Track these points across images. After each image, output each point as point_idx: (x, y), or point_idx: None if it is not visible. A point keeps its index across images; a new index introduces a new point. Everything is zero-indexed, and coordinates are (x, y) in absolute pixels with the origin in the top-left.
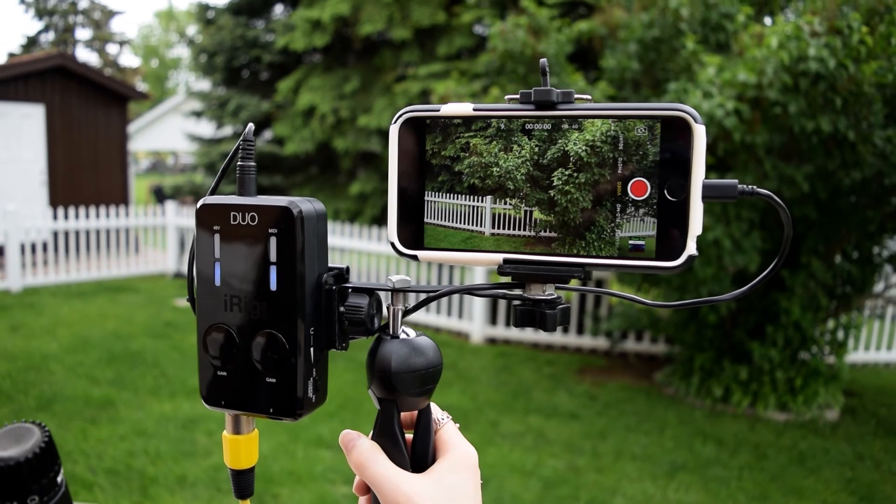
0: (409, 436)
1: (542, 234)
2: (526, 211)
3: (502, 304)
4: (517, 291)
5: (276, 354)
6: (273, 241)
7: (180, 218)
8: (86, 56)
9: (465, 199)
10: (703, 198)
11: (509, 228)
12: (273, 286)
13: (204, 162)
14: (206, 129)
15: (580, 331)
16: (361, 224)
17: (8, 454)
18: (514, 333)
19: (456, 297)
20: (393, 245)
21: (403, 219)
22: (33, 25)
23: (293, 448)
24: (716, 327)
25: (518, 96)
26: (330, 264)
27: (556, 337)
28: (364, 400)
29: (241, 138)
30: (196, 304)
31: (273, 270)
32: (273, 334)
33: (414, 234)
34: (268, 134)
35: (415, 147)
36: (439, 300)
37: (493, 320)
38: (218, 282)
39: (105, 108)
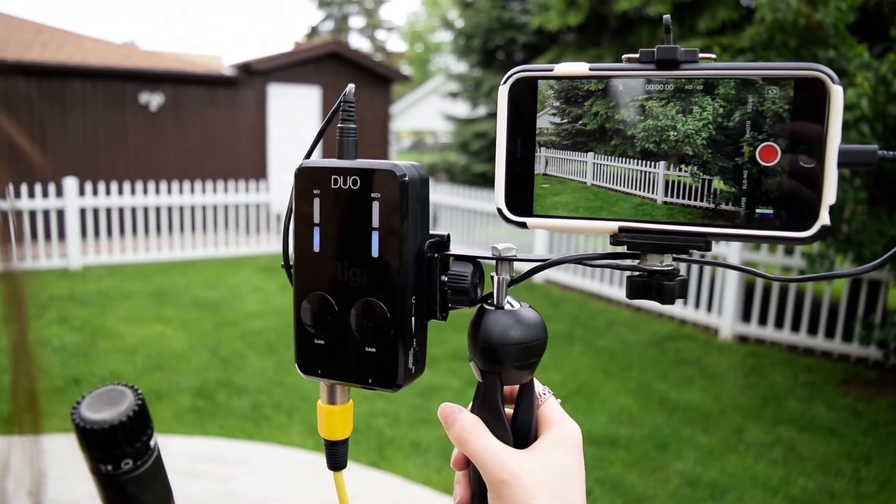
0: (508, 410)
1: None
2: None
3: (757, 298)
4: (631, 262)
5: (376, 323)
6: (376, 205)
7: (434, 194)
8: (358, 42)
9: (635, 164)
10: (839, 164)
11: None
12: (375, 252)
13: (458, 141)
14: (462, 109)
15: (847, 337)
16: None
17: (101, 417)
18: (770, 333)
19: (706, 287)
20: (500, 211)
21: (513, 185)
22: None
23: None
24: None
25: (638, 55)
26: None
27: (818, 341)
28: (599, 387)
29: (340, 99)
30: (294, 271)
31: (375, 236)
32: (374, 302)
33: (523, 200)
34: None
35: (529, 109)
36: (692, 288)
37: (745, 316)
38: (317, 247)
39: (371, 90)
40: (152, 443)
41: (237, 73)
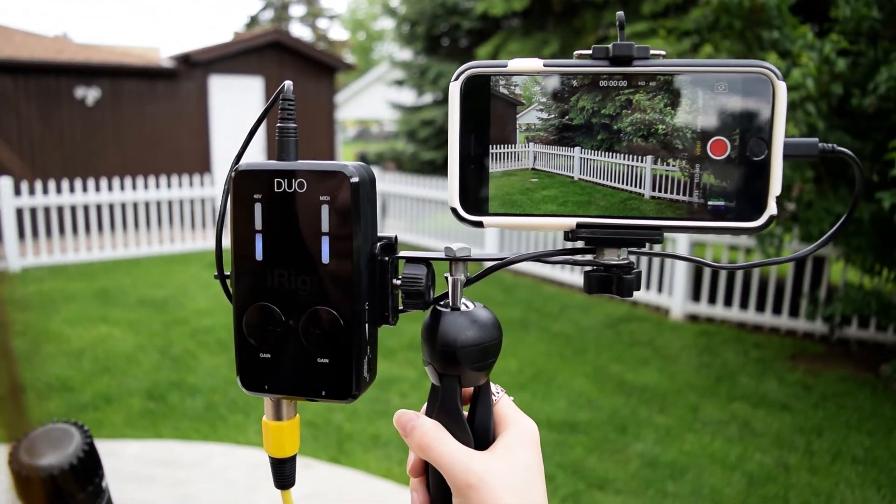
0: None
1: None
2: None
3: (706, 279)
4: (588, 257)
5: (329, 333)
6: (325, 208)
7: (382, 184)
8: (299, 31)
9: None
10: (784, 156)
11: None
12: (325, 258)
13: (405, 129)
14: (408, 97)
15: (794, 313)
16: None
17: (48, 462)
18: (719, 311)
19: (655, 268)
20: (454, 211)
21: (466, 184)
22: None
23: None
24: None
25: (591, 52)
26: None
27: (766, 318)
28: (556, 372)
29: (276, 96)
30: (233, 281)
31: (325, 241)
32: (325, 310)
33: (479, 199)
34: None
35: (481, 106)
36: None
37: (695, 296)
38: (260, 255)
39: (316, 80)
40: (104, 484)
41: (177, 64)
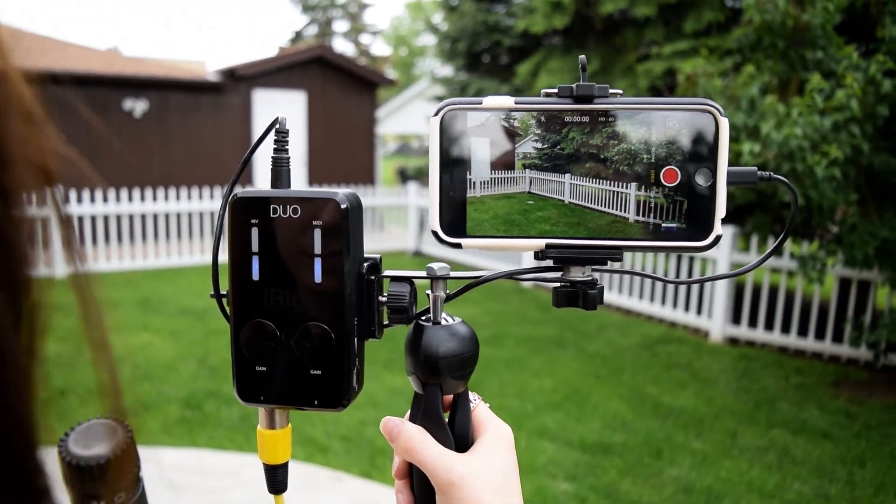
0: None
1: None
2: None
3: (747, 300)
4: (556, 274)
5: (320, 346)
6: (318, 232)
7: (421, 198)
8: (342, 47)
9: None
10: (728, 183)
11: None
12: (318, 278)
13: None
14: None
15: (837, 338)
16: None
17: (95, 452)
18: (760, 335)
19: (695, 289)
20: (435, 234)
21: (447, 209)
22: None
23: (516, 436)
24: None
25: (556, 90)
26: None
27: (808, 342)
28: (591, 393)
29: (270, 129)
30: (230, 300)
31: (318, 262)
32: (317, 326)
33: (457, 222)
34: None
35: (459, 139)
36: (676, 292)
37: (735, 319)
38: (256, 276)
39: (357, 94)
40: (141, 474)
41: (222, 78)
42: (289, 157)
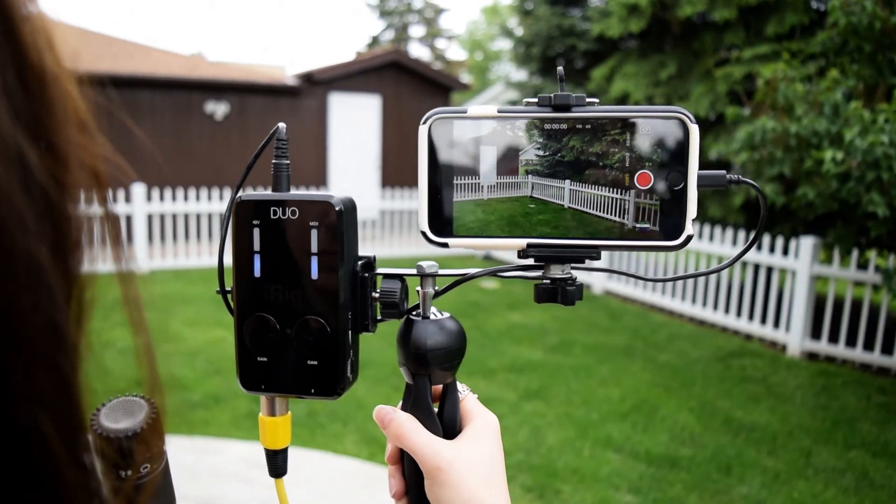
0: (434, 407)
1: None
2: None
3: (828, 313)
4: (538, 273)
5: (317, 339)
6: (314, 233)
7: None
8: (418, 51)
9: (606, 191)
10: (698, 186)
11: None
12: (314, 275)
13: None
14: None
15: None
16: None
17: (124, 426)
18: (841, 351)
19: (773, 300)
20: (424, 234)
21: (434, 210)
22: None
23: (580, 445)
24: None
25: (537, 100)
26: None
27: (893, 360)
28: (660, 404)
29: (271, 137)
30: (234, 295)
31: (314, 260)
32: (315, 320)
33: (444, 223)
34: None
35: (445, 145)
36: (753, 303)
37: (815, 333)
38: (258, 273)
39: (431, 98)
40: (165, 448)
41: (300, 82)
42: (288, 164)
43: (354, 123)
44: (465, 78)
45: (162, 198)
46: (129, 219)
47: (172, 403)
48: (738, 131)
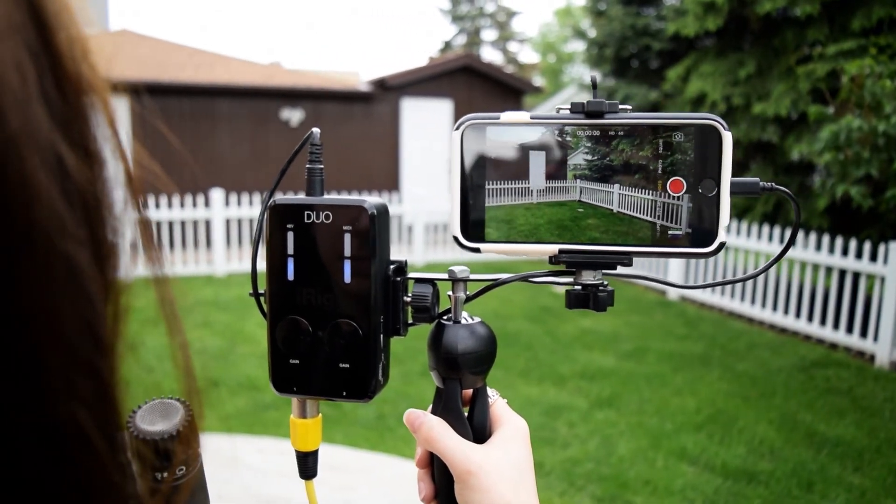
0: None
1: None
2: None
3: None
4: (569, 279)
5: (349, 342)
6: (347, 237)
7: None
8: (490, 55)
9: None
10: (731, 193)
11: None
12: (347, 279)
13: None
14: None
15: None
16: (750, 221)
17: (159, 428)
18: None
19: (859, 311)
20: (456, 239)
21: (467, 215)
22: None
23: (653, 456)
24: None
25: (568, 107)
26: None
27: None
28: (737, 415)
29: (305, 142)
30: (267, 298)
31: (347, 264)
32: (347, 323)
33: (476, 229)
34: None
35: (478, 150)
36: (837, 311)
37: None
38: (291, 276)
39: (503, 102)
40: (200, 450)
41: (373, 88)
42: (322, 168)
43: (426, 128)
44: (538, 81)
45: (240, 202)
46: (207, 223)
47: (246, 402)
48: (822, 131)
